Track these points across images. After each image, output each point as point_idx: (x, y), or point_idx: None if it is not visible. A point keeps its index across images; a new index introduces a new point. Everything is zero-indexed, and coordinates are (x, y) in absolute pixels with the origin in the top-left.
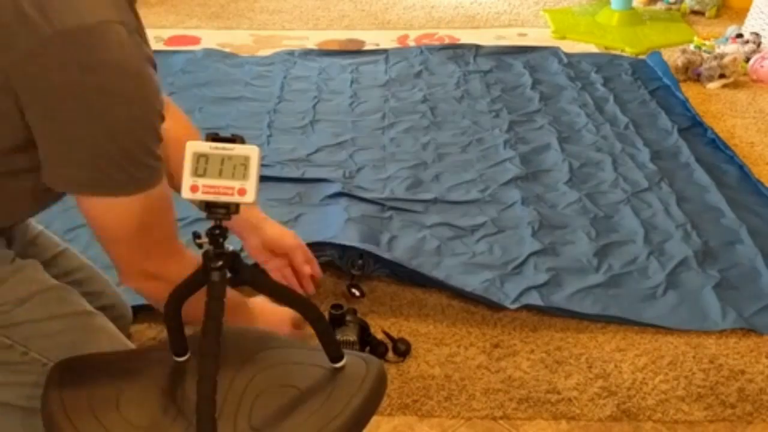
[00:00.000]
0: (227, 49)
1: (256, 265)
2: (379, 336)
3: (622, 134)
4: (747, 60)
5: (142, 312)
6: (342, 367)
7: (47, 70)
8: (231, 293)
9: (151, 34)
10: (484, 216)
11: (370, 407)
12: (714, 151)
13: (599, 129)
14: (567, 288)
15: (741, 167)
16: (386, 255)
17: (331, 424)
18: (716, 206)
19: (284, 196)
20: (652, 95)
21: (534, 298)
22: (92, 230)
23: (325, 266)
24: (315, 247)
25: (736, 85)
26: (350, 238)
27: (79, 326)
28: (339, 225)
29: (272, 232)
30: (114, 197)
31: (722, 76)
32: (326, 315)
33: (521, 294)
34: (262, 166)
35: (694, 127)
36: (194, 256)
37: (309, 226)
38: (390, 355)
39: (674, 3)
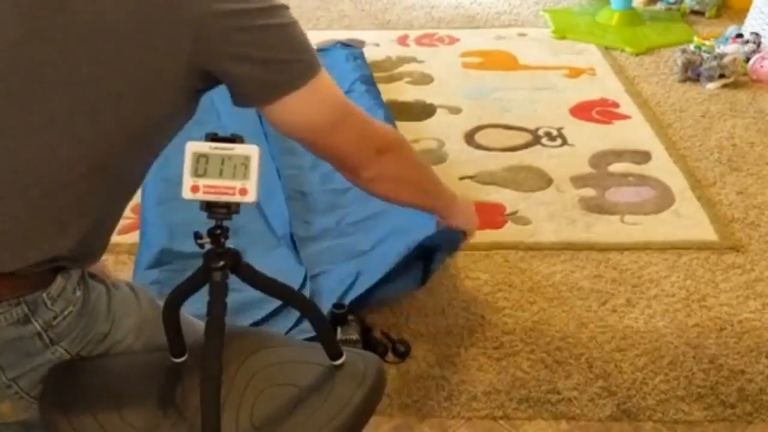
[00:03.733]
0: None
1: None
2: (378, 337)
3: None
4: (747, 60)
5: None
6: (341, 365)
7: None
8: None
9: None
10: None
11: (370, 404)
12: None
13: None
14: None
15: None
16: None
17: (333, 421)
18: None
19: None
20: None
21: None
22: (310, 142)
23: None
24: None
25: (736, 85)
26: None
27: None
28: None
29: None
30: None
31: (722, 76)
32: (328, 314)
33: None
34: None
35: None
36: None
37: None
38: (389, 356)
39: (674, 3)
